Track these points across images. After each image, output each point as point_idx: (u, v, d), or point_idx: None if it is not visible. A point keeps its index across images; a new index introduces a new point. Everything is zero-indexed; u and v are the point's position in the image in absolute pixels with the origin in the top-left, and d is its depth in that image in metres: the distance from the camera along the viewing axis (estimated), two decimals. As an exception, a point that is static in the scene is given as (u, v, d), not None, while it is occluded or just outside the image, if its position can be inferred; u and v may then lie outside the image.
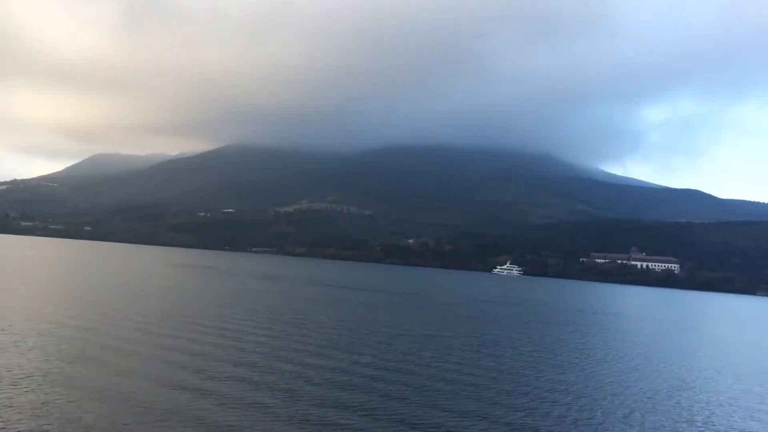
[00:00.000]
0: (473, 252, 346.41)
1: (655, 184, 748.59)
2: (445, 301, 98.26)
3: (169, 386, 26.99)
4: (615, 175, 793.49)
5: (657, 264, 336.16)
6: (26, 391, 24.55)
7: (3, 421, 20.86)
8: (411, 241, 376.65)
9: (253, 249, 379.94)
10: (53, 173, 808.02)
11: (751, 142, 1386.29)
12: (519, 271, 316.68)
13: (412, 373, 34.16)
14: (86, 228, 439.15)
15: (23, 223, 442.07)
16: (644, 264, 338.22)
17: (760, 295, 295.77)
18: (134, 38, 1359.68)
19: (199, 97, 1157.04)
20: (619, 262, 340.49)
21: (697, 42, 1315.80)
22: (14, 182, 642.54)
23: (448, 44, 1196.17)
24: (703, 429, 27.54)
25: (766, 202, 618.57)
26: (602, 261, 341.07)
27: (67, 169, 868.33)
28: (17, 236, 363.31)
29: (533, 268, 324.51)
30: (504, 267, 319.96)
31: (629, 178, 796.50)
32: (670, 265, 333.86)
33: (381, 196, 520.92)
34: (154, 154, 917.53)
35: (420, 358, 39.65)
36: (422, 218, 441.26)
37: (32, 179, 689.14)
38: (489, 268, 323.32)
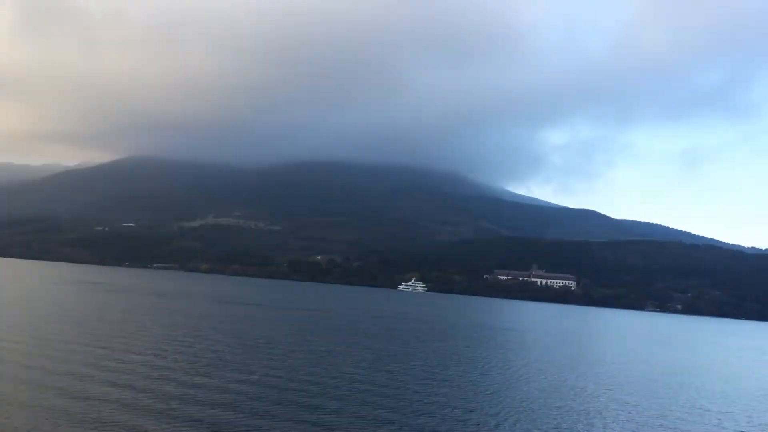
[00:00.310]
0: (380, 269, 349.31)
1: (556, 204, 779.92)
2: (348, 318, 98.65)
3: (31, 409, 25.84)
4: (519, 195, 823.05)
5: (555, 281, 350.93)
6: None
7: None
8: (319, 257, 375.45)
9: (155, 265, 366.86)
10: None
11: (641, 166, 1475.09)
12: (423, 287, 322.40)
13: (300, 390, 34.23)
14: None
15: None
16: (544, 281, 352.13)
17: (648, 310, 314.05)
18: (29, 41, 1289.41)
19: (99, 105, 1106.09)
20: (521, 278, 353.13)
21: (594, 70, 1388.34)
22: None
23: (358, 61, 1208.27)
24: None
25: (654, 222, 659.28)
26: (505, 278, 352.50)
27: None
28: None
29: (438, 284, 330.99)
30: (409, 283, 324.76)
31: (532, 198, 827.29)
32: (567, 281, 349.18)
33: (290, 211, 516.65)
34: (50, 163, 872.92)
35: (311, 374, 39.76)
36: (331, 234, 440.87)
37: None
38: (395, 285, 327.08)
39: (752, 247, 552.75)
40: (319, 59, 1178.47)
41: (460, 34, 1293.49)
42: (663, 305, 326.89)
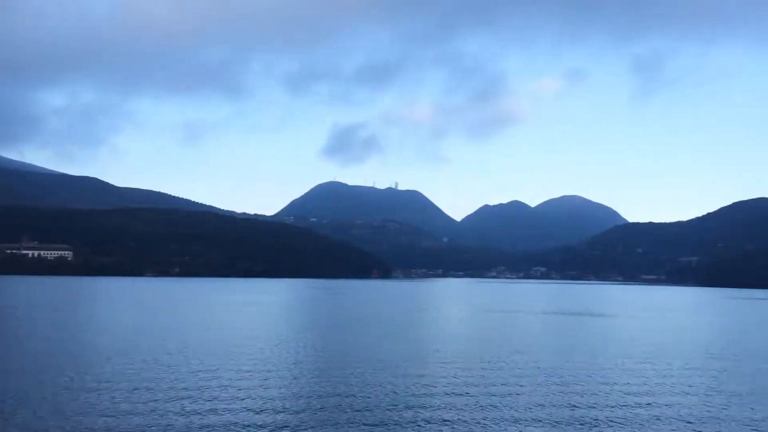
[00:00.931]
0: None
1: (54, 171, 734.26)
2: None
3: None
4: (10, 160, 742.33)
5: (50, 252, 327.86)
6: None
7: None
8: None
9: None
10: None
11: (146, 134, 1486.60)
12: None
13: None
14: None
15: None
16: (36, 253, 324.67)
17: (147, 276, 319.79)
18: None
19: None
20: (9, 252, 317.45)
21: (98, 34, 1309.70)
22: None
23: None
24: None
25: (158, 190, 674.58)
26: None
27: None
28: None
29: None
30: None
31: (26, 164, 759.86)
32: (63, 252, 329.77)
33: None
34: None
35: None
36: None
37: None
38: None
39: (243, 213, 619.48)
40: None
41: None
42: (163, 270, 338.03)
